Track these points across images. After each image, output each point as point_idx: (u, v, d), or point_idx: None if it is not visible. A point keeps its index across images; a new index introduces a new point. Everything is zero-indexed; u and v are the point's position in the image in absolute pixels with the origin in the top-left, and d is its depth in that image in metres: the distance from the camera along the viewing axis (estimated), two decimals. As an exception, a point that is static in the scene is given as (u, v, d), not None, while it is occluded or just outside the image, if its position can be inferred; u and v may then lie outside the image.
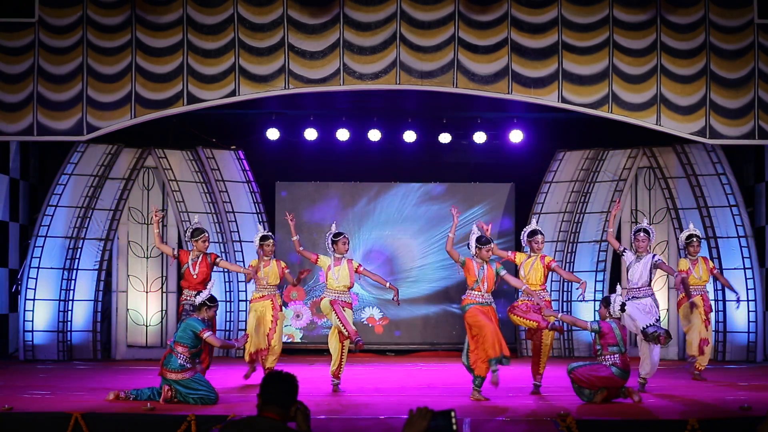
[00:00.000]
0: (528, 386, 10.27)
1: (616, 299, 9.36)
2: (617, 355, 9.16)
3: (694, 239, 11.52)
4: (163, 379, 9.18)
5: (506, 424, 8.08)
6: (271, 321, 10.94)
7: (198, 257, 10.65)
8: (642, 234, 10.27)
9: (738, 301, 11.83)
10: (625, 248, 10.55)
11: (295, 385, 4.48)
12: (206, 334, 9.21)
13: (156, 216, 10.85)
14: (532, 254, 10.28)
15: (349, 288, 10.42)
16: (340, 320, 10.16)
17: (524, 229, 10.54)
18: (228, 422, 4.51)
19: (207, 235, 10.76)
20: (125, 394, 9.23)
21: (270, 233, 11.24)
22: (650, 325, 9.89)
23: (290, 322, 15.57)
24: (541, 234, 10.31)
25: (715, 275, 11.82)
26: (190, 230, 10.81)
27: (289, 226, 10.81)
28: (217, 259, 10.82)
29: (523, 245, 10.50)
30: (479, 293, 9.65)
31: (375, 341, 15.70)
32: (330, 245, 10.46)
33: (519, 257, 10.34)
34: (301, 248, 10.64)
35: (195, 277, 10.55)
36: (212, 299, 9.56)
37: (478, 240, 9.76)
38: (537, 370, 10.17)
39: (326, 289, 10.44)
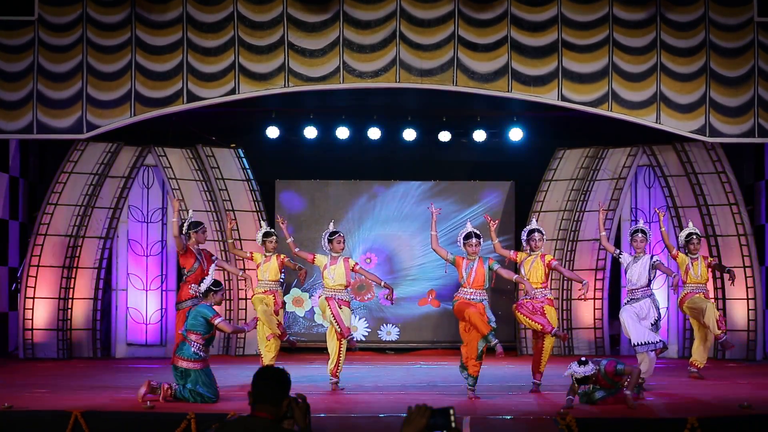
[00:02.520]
0: (528, 385, 10.28)
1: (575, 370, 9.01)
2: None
3: (694, 237, 11.57)
4: (174, 368, 9.18)
5: (506, 422, 8.09)
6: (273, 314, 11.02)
7: (199, 252, 10.73)
8: (639, 235, 10.27)
9: (733, 279, 11.74)
10: (620, 251, 10.54)
11: (285, 380, 4.40)
12: (218, 320, 9.21)
13: (175, 205, 10.84)
14: (532, 253, 10.32)
15: (346, 287, 10.44)
16: (333, 317, 10.19)
17: (524, 228, 10.59)
18: (221, 423, 4.48)
19: (205, 226, 10.82)
20: (156, 383, 9.14)
21: (272, 230, 11.28)
22: (641, 344, 9.91)
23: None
24: (539, 232, 10.33)
25: (713, 266, 11.83)
26: (188, 222, 10.76)
27: (281, 228, 10.84)
28: (213, 257, 10.85)
29: (523, 244, 10.54)
30: (466, 290, 9.71)
31: (378, 340, 15.71)
32: (326, 244, 10.51)
33: (520, 256, 10.38)
34: (296, 250, 10.70)
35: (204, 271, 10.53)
36: (216, 283, 9.56)
37: (464, 236, 9.84)
38: (537, 369, 10.19)
39: (323, 288, 10.49)
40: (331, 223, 10.76)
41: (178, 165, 15.08)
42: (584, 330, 15.11)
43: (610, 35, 12.14)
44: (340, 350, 10.30)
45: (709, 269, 11.73)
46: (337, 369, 10.32)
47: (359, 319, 15.58)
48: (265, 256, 11.11)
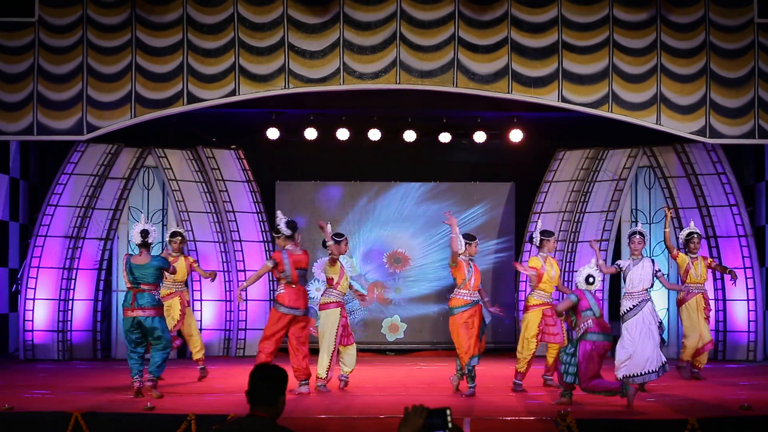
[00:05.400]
0: (527, 385, 10.29)
1: (581, 272, 9.49)
2: (590, 320, 9.17)
3: (695, 236, 11.61)
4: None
5: (506, 422, 8.09)
6: (179, 317, 11.36)
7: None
8: (637, 236, 10.26)
9: (734, 279, 11.77)
10: (618, 265, 10.42)
11: (281, 378, 4.40)
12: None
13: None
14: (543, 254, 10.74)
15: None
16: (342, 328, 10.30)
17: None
18: (221, 424, 4.49)
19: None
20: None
21: (179, 230, 11.63)
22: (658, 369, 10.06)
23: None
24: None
25: (713, 267, 11.86)
26: (283, 223, 10.30)
27: (324, 233, 10.48)
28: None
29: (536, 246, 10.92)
30: (467, 291, 9.85)
31: (376, 340, 15.71)
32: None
33: (535, 262, 10.75)
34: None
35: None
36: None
37: (466, 237, 10.03)
38: (554, 366, 10.38)
39: (334, 293, 10.35)
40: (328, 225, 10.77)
41: (179, 166, 15.09)
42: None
43: (610, 36, 12.14)
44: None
45: (709, 270, 11.74)
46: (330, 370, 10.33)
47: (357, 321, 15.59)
48: (172, 257, 11.27)
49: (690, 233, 11.66)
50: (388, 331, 15.69)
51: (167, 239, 11.70)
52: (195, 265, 11.68)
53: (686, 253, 11.61)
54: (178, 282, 11.45)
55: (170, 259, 11.17)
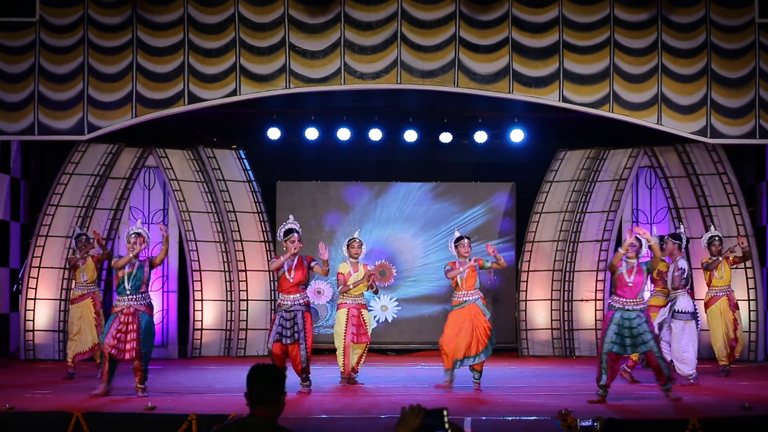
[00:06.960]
0: (528, 385, 10.30)
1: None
2: None
3: (716, 239, 11.83)
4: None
5: (506, 422, 8.10)
6: (95, 318, 11.60)
7: (293, 260, 10.12)
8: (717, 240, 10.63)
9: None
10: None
11: (278, 378, 4.39)
12: None
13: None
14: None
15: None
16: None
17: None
18: (223, 424, 4.48)
19: (297, 235, 10.19)
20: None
21: (83, 232, 11.85)
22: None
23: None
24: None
25: (736, 261, 12.15)
26: (282, 230, 10.29)
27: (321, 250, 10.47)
28: (312, 263, 10.25)
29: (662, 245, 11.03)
30: (461, 293, 10.32)
31: (376, 340, 15.69)
32: (346, 250, 10.84)
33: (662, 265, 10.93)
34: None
35: (291, 281, 10.09)
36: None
37: (455, 240, 10.50)
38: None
39: (344, 295, 10.80)
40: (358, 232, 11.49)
41: (180, 166, 15.09)
42: (585, 331, 15.11)
43: (611, 36, 12.13)
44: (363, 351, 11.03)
45: (733, 264, 12.05)
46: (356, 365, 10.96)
47: (385, 296, 15.49)
48: (82, 258, 11.57)
49: (712, 236, 11.95)
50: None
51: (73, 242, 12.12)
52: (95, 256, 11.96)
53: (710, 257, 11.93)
54: (90, 283, 11.77)
55: (81, 261, 11.74)
